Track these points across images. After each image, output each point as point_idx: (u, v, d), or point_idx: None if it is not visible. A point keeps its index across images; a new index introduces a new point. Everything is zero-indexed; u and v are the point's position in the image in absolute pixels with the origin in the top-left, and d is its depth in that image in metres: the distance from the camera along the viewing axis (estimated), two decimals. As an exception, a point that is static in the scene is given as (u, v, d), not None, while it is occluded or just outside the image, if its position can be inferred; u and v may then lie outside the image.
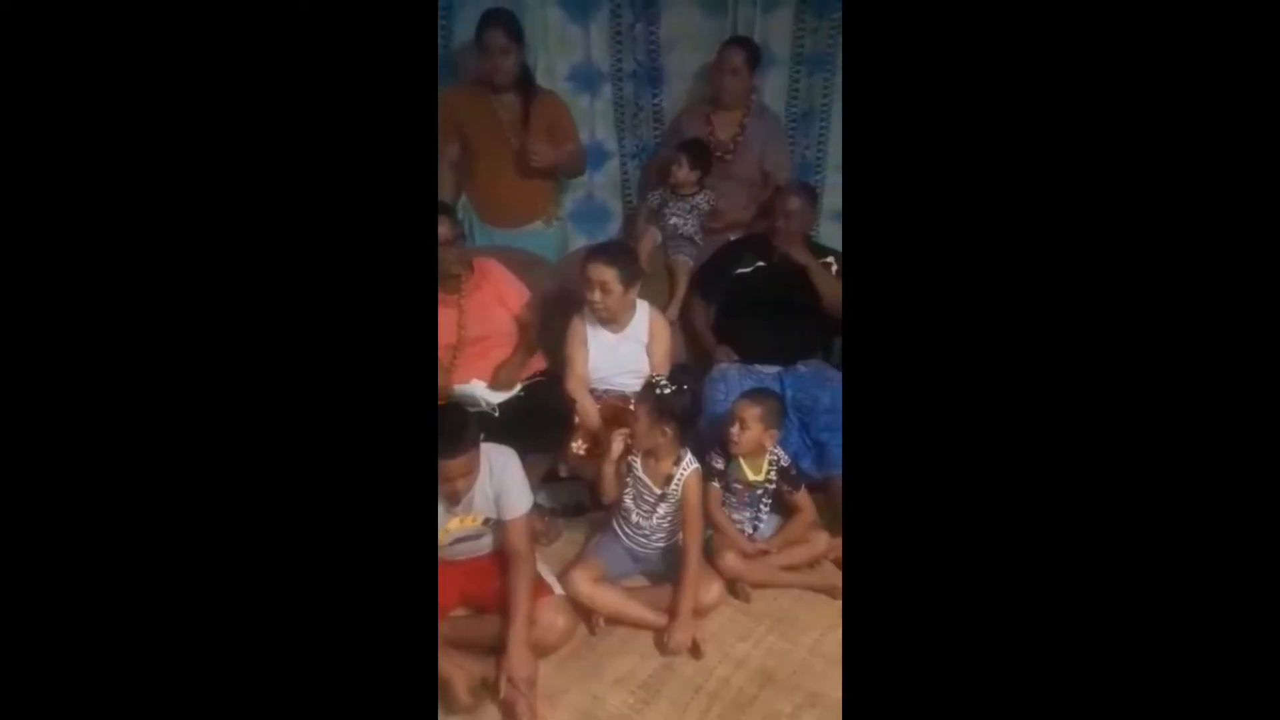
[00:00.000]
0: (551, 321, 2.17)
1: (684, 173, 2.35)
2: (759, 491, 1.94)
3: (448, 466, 1.50)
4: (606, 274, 1.92)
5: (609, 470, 1.77)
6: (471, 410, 1.79)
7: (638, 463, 1.76)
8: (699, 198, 2.40)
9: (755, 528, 1.97)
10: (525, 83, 2.33)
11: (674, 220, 2.40)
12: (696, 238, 2.42)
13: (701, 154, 2.37)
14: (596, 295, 1.94)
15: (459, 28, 2.41)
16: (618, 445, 1.75)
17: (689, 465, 1.75)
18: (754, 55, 2.41)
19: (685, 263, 2.39)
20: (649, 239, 2.41)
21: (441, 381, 1.96)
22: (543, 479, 2.06)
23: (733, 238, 2.45)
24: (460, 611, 1.75)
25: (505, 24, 2.23)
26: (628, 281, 1.95)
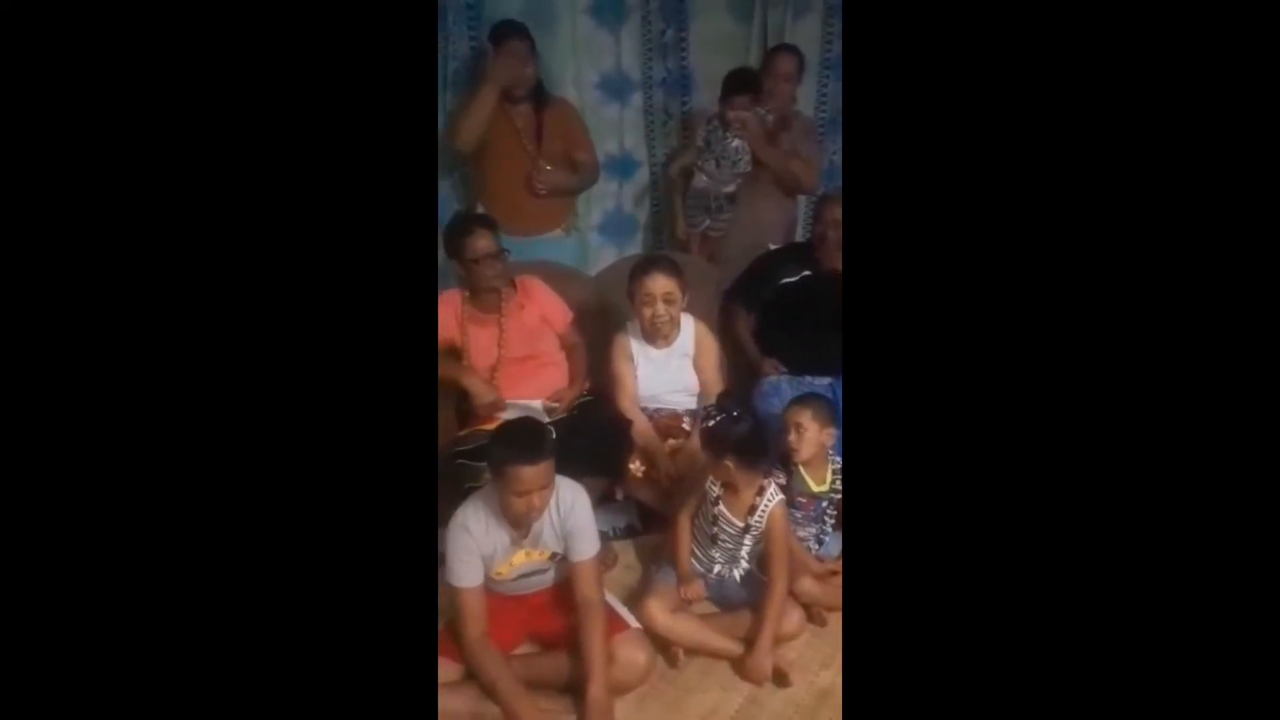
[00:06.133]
0: (590, 338, 2.09)
1: (738, 109, 2.18)
2: (824, 504, 1.86)
3: (526, 477, 1.38)
4: (669, 284, 1.88)
5: (683, 535, 1.73)
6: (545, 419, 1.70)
7: (715, 491, 1.68)
8: (740, 143, 2.23)
9: (821, 543, 1.90)
10: (539, 92, 2.27)
11: (711, 165, 2.26)
12: (729, 187, 2.29)
13: (750, 81, 2.22)
14: (660, 308, 1.88)
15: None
16: (684, 521, 1.73)
17: (774, 496, 1.66)
18: (802, 63, 2.36)
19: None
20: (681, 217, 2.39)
21: (491, 397, 1.88)
22: (598, 501, 1.97)
23: (772, 246, 2.39)
24: (526, 648, 1.65)
25: (523, 34, 2.17)
26: (685, 288, 1.90)
